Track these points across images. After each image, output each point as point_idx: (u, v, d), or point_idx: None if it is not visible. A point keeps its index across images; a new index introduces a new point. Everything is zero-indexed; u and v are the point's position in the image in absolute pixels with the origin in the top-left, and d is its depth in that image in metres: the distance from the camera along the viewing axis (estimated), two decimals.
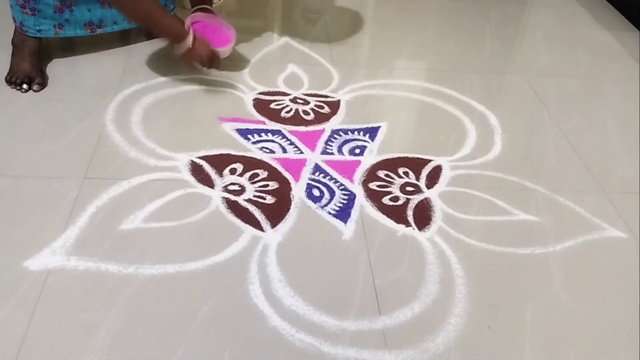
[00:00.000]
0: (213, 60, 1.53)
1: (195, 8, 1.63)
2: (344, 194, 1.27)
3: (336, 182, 1.30)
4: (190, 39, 1.44)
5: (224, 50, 1.56)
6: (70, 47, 1.66)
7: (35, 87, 1.47)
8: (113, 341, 0.93)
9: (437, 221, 1.22)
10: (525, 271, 1.14)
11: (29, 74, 1.48)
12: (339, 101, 1.57)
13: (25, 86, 1.46)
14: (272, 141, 1.40)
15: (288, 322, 0.99)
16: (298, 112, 1.51)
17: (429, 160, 1.39)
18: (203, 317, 0.98)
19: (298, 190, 1.26)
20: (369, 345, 0.97)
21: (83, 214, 1.14)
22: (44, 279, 1.01)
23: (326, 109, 1.53)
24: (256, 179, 1.28)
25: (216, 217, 1.17)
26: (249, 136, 1.40)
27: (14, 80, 1.47)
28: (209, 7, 1.64)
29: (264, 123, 1.46)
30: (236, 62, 1.68)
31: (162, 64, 1.63)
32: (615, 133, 1.57)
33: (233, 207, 1.20)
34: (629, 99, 1.74)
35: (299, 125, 1.46)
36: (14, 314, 0.96)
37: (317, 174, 1.31)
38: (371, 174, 1.33)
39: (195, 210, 1.18)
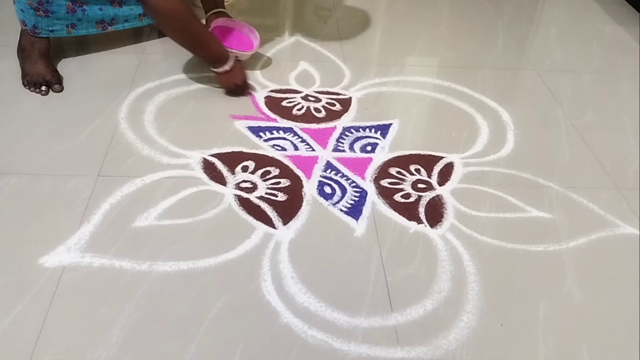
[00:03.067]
0: (245, 88, 1.55)
1: (212, 12, 1.64)
2: (356, 191, 1.27)
3: (348, 179, 1.30)
4: (230, 63, 1.47)
5: (246, 54, 1.58)
6: (83, 46, 1.68)
7: (55, 87, 1.48)
8: (127, 337, 0.94)
9: (449, 218, 1.22)
10: (538, 268, 1.13)
11: (45, 75, 1.49)
12: (350, 98, 1.57)
13: (44, 88, 1.47)
14: (284, 139, 1.40)
15: (300, 319, 1.00)
16: (309, 109, 1.51)
17: (441, 157, 1.39)
18: (216, 313, 0.99)
19: (310, 188, 1.26)
20: (381, 342, 0.97)
21: (97, 212, 1.16)
22: (59, 275, 1.03)
23: (338, 107, 1.53)
24: (268, 177, 1.28)
25: (228, 215, 1.18)
26: (261, 134, 1.41)
27: (32, 83, 1.48)
28: (224, 10, 1.66)
29: (275, 121, 1.46)
30: (247, 60, 1.69)
31: (175, 62, 1.64)
32: (629, 129, 1.56)
33: (245, 204, 1.20)
34: None
35: (310, 122, 1.47)
36: (30, 310, 0.97)
37: (328, 171, 1.32)
38: (383, 171, 1.33)
39: (208, 207, 1.19)
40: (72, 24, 1.52)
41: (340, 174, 1.31)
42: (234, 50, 1.53)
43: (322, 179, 1.29)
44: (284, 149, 1.37)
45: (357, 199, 1.25)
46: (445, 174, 1.34)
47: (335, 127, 1.46)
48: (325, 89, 1.60)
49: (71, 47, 1.67)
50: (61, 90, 1.49)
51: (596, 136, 1.51)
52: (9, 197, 1.17)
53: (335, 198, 1.24)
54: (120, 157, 1.30)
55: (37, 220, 1.13)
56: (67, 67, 1.58)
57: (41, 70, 1.49)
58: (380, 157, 1.37)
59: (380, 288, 1.06)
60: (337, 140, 1.41)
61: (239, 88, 1.53)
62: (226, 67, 1.47)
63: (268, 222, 1.17)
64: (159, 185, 1.23)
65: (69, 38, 1.67)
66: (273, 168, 1.31)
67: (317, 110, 1.51)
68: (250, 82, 1.57)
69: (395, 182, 1.30)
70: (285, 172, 1.30)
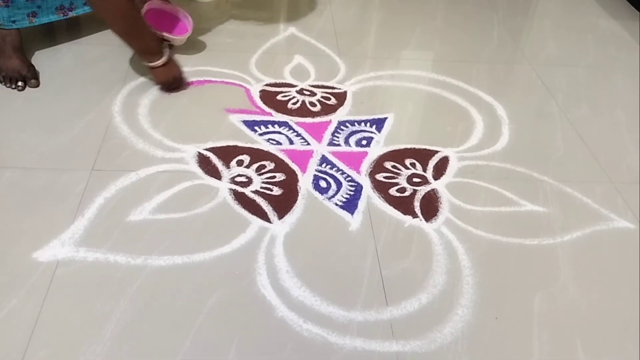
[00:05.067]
0: (179, 84, 1.51)
1: None
2: (351, 186, 1.27)
3: (343, 173, 1.30)
4: (165, 57, 1.43)
5: (180, 39, 1.57)
6: (76, 38, 1.67)
7: (32, 82, 1.46)
8: (122, 331, 0.94)
9: (444, 212, 1.22)
10: (532, 262, 1.14)
11: (21, 70, 1.46)
12: (345, 92, 1.57)
13: (20, 84, 1.45)
14: (279, 133, 1.40)
15: (296, 313, 1.00)
16: (305, 103, 1.51)
17: (436, 151, 1.39)
18: (211, 307, 0.99)
19: (305, 182, 1.26)
20: (377, 335, 0.97)
21: (91, 206, 1.15)
22: (53, 270, 1.02)
23: (333, 100, 1.53)
24: (263, 171, 1.28)
25: (223, 209, 1.18)
26: (256, 128, 1.40)
27: (8, 78, 1.45)
28: None
29: (270, 115, 1.46)
30: (242, 54, 1.68)
31: None
32: (623, 123, 1.57)
33: (240, 198, 1.20)
34: (637, 88, 1.73)
35: (305, 116, 1.46)
36: (24, 304, 0.96)
37: (324, 165, 1.31)
38: (378, 165, 1.33)
39: (203, 201, 1.19)
40: (33, 12, 1.49)
41: (335, 168, 1.31)
42: (166, 35, 1.52)
43: (317, 173, 1.29)
44: (279, 143, 1.36)
45: (352, 193, 1.25)
46: (441, 168, 1.34)
47: (330, 121, 1.46)
48: (320, 83, 1.60)
49: (64, 39, 1.65)
50: (37, 85, 1.47)
51: (591, 130, 1.52)
52: (3, 191, 1.17)
53: (331, 192, 1.24)
54: (114, 151, 1.29)
55: (31, 215, 1.12)
56: (61, 59, 1.57)
57: (16, 65, 1.46)
58: (375, 151, 1.37)
59: (376, 282, 1.06)
60: (333, 134, 1.41)
61: (175, 81, 1.49)
62: (161, 61, 1.43)
63: (263, 216, 1.17)
64: (154, 180, 1.23)
65: (62, 31, 1.66)
66: (268, 162, 1.30)
67: (312, 104, 1.51)
68: (185, 76, 1.53)
69: (391, 176, 1.30)
70: (281, 166, 1.30)
